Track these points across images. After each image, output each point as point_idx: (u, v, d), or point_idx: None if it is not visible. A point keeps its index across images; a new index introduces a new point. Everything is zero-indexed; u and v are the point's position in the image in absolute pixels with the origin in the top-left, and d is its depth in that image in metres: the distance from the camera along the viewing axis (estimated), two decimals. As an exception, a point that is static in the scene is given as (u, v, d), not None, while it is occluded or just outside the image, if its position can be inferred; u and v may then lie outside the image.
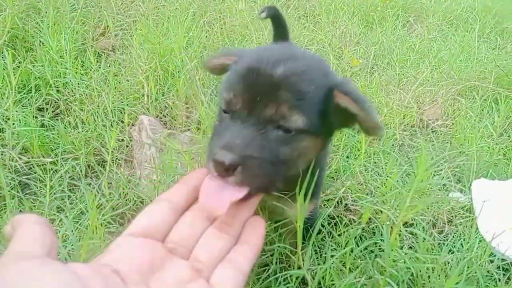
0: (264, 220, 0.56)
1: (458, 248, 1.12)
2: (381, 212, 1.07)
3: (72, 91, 1.73)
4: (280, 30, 1.36)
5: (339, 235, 1.04)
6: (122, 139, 1.54)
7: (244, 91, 0.62)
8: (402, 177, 1.29)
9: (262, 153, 0.59)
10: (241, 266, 0.49)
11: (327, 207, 1.25)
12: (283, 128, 0.61)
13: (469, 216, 1.20)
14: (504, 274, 1.08)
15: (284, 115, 0.60)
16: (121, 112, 1.58)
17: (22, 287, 0.35)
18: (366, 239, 1.09)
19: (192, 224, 0.53)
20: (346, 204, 1.26)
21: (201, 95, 1.57)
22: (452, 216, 1.24)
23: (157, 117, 1.61)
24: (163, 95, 1.65)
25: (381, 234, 0.98)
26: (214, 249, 0.50)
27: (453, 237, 1.16)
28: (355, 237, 1.01)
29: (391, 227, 0.90)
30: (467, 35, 2.46)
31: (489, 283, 1.02)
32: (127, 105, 1.56)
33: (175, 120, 1.60)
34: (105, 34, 2.15)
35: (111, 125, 1.50)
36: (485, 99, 1.89)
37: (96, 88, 1.67)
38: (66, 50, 1.82)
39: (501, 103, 1.76)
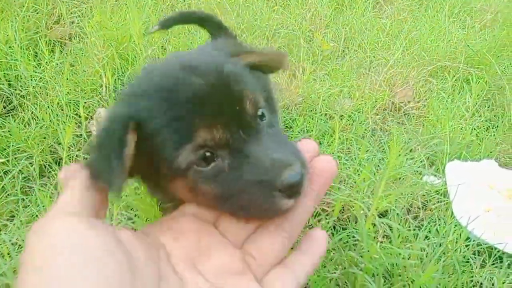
0: (326, 234, 0.49)
1: (434, 234, 1.09)
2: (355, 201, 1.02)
3: (26, 84, 1.60)
4: (212, 29, 1.24)
5: (310, 227, 0.99)
6: (80, 135, 1.43)
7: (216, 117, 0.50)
8: (375, 165, 1.25)
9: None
10: (298, 275, 0.45)
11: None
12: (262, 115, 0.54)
13: (444, 200, 1.17)
14: (478, 258, 1.05)
15: (258, 103, 0.54)
16: (77, 106, 1.46)
17: (65, 242, 0.35)
18: (340, 229, 1.04)
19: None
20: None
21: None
22: (427, 201, 1.21)
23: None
24: (122, 85, 1.55)
25: (355, 223, 0.93)
26: (268, 248, 0.45)
27: (429, 222, 1.13)
28: (328, 229, 0.95)
29: (365, 217, 0.85)
30: (436, 15, 2.44)
31: (465, 269, 0.99)
32: (83, 97, 1.45)
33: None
34: (59, 22, 2.00)
35: (65, 121, 1.39)
36: (456, 79, 1.87)
37: (50, 81, 1.54)
38: (15, 40, 1.68)
39: (472, 83, 1.75)
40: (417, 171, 1.34)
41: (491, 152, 1.40)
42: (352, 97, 1.73)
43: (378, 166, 1.26)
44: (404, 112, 1.74)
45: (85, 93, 1.53)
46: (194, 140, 0.49)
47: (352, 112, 1.66)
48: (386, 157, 1.25)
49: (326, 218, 0.97)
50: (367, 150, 1.40)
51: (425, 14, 2.53)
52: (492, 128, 1.62)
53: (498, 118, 1.65)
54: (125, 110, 0.52)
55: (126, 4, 1.91)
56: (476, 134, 1.47)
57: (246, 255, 0.45)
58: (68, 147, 1.42)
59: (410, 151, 1.47)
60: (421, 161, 1.34)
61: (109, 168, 0.46)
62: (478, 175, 1.28)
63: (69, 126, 1.27)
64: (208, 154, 0.49)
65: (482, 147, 1.40)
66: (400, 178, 1.23)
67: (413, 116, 1.69)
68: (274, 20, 2.35)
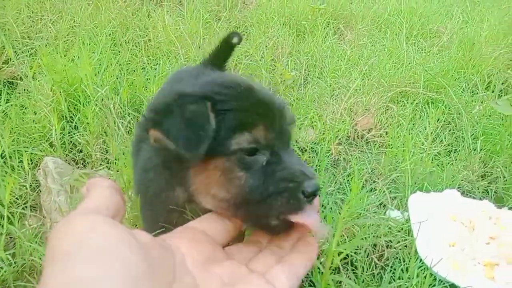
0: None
1: (399, 274, 1.05)
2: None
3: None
4: (223, 55, 1.32)
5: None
6: (25, 186, 1.34)
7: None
8: (336, 202, 1.21)
9: None
10: (297, 268, 0.48)
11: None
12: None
13: (407, 238, 1.14)
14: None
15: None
16: (21, 155, 1.37)
17: (86, 236, 0.36)
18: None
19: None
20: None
21: (116, 127, 1.41)
22: (390, 240, 1.17)
23: (66, 156, 1.41)
24: (72, 131, 1.47)
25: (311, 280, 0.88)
26: (270, 261, 0.50)
27: (393, 263, 1.09)
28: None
29: (322, 272, 0.80)
30: (395, 39, 2.48)
31: (431, 315, 0.95)
32: (27, 146, 1.36)
33: (88, 158, 1.42)
34: (8, 62, 1.91)
35: (5, 173, 1.29)
36: (416, 104, 1.88)
37: (-6, 128, 1.45)
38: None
39: (430, 107, 1.76)
40: (380, 204, 1.32)
41: (453, 181, 1.40)
42: (314, 128, 1.70)
43: (340, 204, 1.22)
44: (366, 140, 1.73)
45: (32, 139, 1.44)
46: (252, 132, 0.57)
47: (314, 144, 1.64)
48: (345, 195, 1.21)
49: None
50: (329, 185, 1.37)
51: (385, 37, 2.58)
52: (454, 152, 1.62)
53: (459, 142, 1.66)
54: (202, 91, 0.61)
55: (82, 40, 1.85)
56: (437, 164, 1.46)
57: (250, 267, 0.49)
58: (14, 201, 1.33)
59: (373, 182, 1.44)
60: (383, 193, 1.32)
61: (197, 138, 0.55)
62: (441, 207, 1.26)
63: (8, 182, 1.18)
64: (255, 147, 0.58)
65: (443, 175, 1.39)
66: (362, 215, 1.19)
67: (375, 144, 1.67)
68: (236, 50, 2.33)
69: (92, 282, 0.32)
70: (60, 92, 1.44)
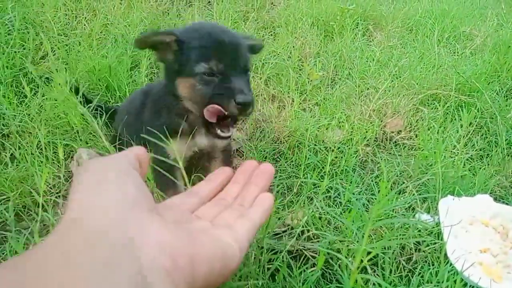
0: (273, 196, 0.63)
1: (428, 278, 1.03)
2: (340, 251, 0.96)
3: (8, 123, 1.57)
4: None
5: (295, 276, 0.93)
6: (59, 176, 1.39)
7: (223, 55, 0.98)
8: (364, 204, 1.20)
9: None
10: (255, 220, 0.57)
11: (289, 238, 1.14)
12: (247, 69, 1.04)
13: (437, 242, 1.11)
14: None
15: (248, 63, 1.04)
16: (57, 146, 1.42)
17: (102, 177, 0.48)
18: (326, 282, 0.98)
19: (214, 206, 0.62)
20: (308, 237, 1.15)
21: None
22: (419, 242, 1.15)
23: (101, 148, 1.46)
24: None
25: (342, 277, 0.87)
26: (233, 216, 0.58)
27: (422, 266, 1.06)
28: (312, 284, 0.89)
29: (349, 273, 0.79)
30: (426, 41, 2.43)
31: (462, 321, 0.92)
32: (59, 138, 1.41)
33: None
34: (45, 57, 1.98)
35: (41, 162, 1.34)
36: (448, 107, 1.84)
37: (30, 120, 1.51)
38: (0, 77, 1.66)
39: (463, 111, 1.71)
40: (410, 207, 1.29)
41: (485, 186, 1.35)
42: (342, 128, 1.69)
43: (368, 205, 1.21)
44: (395, 142, 1.70)
45: (66, 132, 1.49)
46: (207, 63, 0.97)
47: (341, 144, 1.63)
48: (375, 197, 1.20)
49: (310, 272, 0.91)
50: (357, 186, 1.35)
51: (415, 39, 2.53)
52: (486, 157, 1.57)
53: (492, 147, 1.60)
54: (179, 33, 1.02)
55: (115, 38, 1.90)
56: (469, 168, 1.42)
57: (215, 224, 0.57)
58: (48, 190, 1.38)
59: (401, 184, 1.42)
60: (412, 196, 1.29)
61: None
62: (473, 211, 1.22)
63: (44, 169, 1.22)
64: (211, 70, 0.97)
65: (475, 180, 1.35)
66: (390, 217, 1.17)
67: (404, 147, 1.64)
68: (264, 49, 2.34)
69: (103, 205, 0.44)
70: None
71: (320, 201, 1.10)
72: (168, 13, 2.63)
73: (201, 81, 0.98)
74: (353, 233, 1.02)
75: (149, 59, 1.92)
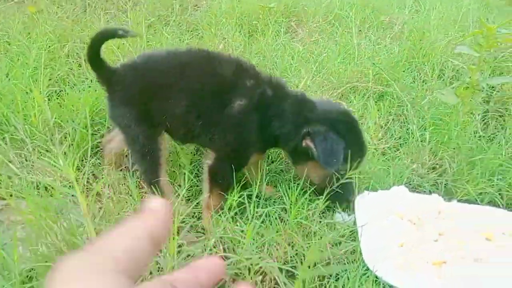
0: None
1: (343, 284, 1.00)
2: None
3: None
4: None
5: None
6: None
7: None
8: (279, 214, 1.14)
9: None
10: None
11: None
12: None
13: (353, 244, 1.09)
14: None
15: None
16: None
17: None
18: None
19: None
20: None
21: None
22: (337, 243, 1.12)
23: None
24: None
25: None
26: None
27: (337, 274, 1.03)
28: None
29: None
30: (346, 33, 2.45)
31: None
32: None
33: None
34: None
35: None
36: (368, 98, 1.84)
37: None
38: None
39: (382, 102, 1.72)
40: (323, 211, 1.26)
41: (401, 177, 1.35)
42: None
43: (282, 213, 1.16)
44: (318, 139, 1.68)
45: None
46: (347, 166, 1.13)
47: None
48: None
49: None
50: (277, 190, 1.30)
51: (336, 32, 2.54)
52: (403, 146, 1.58)
53: (409, 134, 1.62)
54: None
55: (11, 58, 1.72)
56: (383, 160, 1.41)
57: None
58: None
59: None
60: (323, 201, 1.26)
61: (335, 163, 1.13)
62: (388, 205, 1.21)
63: None
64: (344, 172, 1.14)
65: (390, 172, 1.35)
66: (307, 220, 1.13)
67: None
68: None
69: None
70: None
71: (227, 219, 1.03)
72: (80, 23, 2.46)
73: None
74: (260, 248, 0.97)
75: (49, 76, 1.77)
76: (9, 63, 1.79)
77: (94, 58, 1.20)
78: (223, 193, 1.17)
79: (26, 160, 1.43)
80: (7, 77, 1.73)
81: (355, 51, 2.17)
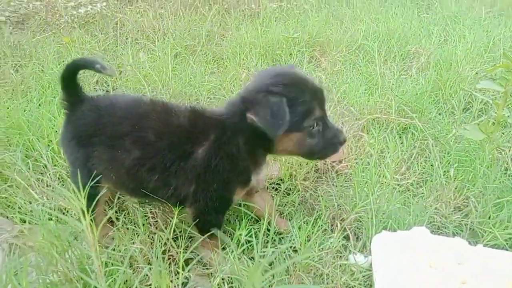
0: None
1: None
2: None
3: None
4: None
5: None
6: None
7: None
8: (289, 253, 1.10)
9: None
10: None
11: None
12: None
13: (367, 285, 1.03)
14: None
15: None
16: None
17: None
18: None
19: None
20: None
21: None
22: (351, 287, 1.06)
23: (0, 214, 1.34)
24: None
25: None
26: None
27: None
28: None
29: None
30: (370, 63, 2.42)
31: None
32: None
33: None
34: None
35: None
36: (390, 130, 1.79)
37: None
38: None
39: (405, 135, 1.67)
40: (342, 246, 1.21)
41: (423, 216, 1.28)
42: (280, 162, 1.62)
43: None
44: (336, 172, 1.64)
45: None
46: (314, 114, 1.09)
47: (280, 180, 1.55)
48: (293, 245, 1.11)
49: None
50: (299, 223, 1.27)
51: (361, 61, 2.51)
52: (426, 182, 1.51)
53: (433, 170, 1.55)
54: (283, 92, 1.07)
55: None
56: (404, 199, 1.35)
57: None
58: None
59: (342, 220, 1.33)
60: (345, 234, 1.21)
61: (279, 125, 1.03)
62: (407, 247, 1.15)
63: None
64: (315, 122, 1.11)
65: (411, 211, 1.28)
66: (311, 265, 1.08)
67: (344, 177, 1.58)
68: (209, 82, 2.29)
69: None
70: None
71: (235, 256, 1.00)
72: (110, 51, 2.57)
73: (309, 133, 1.11)
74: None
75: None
76: (41, 91, 1.87)
77: (67, 80, 1.18)
78: (215, 237, 1.12)
79: (47, 186, 1.47)
80: (39, 105, 1.81)
81: (379, 82, 2.13)
